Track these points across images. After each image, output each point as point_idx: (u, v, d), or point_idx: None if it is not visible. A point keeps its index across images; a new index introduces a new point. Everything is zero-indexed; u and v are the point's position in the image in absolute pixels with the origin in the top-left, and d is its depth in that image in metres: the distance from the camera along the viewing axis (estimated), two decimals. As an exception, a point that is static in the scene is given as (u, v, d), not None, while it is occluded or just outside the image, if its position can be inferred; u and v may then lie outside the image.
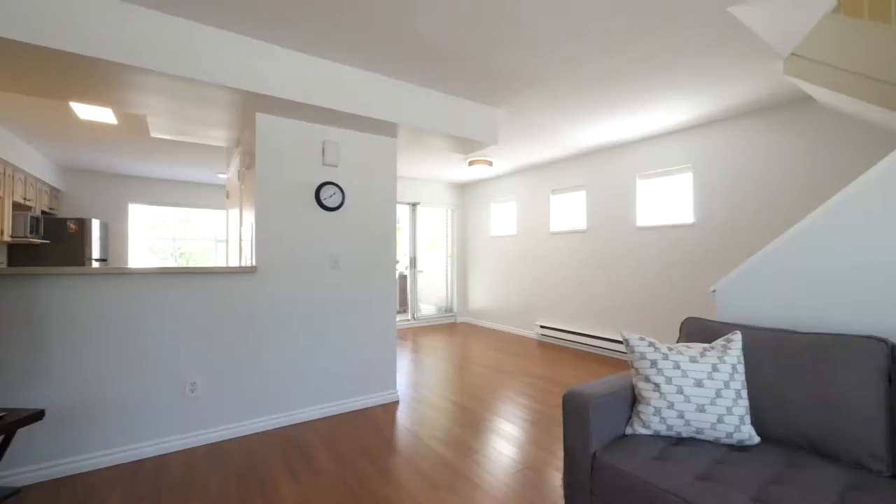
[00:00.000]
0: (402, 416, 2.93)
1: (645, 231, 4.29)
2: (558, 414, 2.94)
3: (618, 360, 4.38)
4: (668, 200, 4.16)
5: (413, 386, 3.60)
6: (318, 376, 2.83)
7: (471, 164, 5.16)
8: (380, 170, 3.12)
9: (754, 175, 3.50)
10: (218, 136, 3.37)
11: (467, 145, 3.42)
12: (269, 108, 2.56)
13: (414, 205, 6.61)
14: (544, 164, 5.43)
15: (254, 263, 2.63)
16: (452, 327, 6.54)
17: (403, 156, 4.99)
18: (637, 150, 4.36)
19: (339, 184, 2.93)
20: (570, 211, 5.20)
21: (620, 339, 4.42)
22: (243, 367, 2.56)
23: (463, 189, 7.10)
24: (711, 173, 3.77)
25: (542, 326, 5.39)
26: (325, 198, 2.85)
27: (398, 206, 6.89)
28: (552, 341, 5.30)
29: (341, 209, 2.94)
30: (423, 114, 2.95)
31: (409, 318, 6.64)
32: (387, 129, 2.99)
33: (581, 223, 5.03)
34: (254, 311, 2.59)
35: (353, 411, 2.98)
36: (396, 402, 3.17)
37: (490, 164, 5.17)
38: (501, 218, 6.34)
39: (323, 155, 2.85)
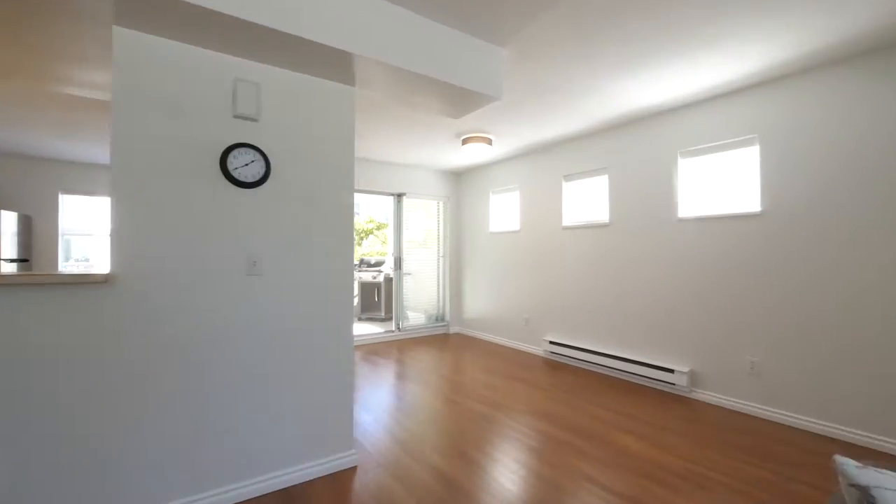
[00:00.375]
0: (359, 494, 1.95)
1: (689, 224, 3.31)
2: (587, 493, 1.96)
3: (652, 391, 3.40)
4: (721, 183, 3.18)
5: (383, 433, 2.61)
6: (226, 443, 1.84)
7: (465, 142, 4.17)
8: (329, 131, 2.13)
9: (849, 147, 2.53)
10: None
11: (461, 101, 2.43)
12: (136, 16, 1.57)
13: (399, 196, 5.63)
14: (555, 142, 4.44)
15: (111, 270, 1.63)
16: (444, 340, 5.55)
17: (378, 129, 4.00)
18: (679, 119, 3.38)
19: (261, 147, 1.94)
20: (587, 200, 4.22)
21: (667, 367, 3.44)
22: (91, 441, 1.57)
23: (457, 177, 6.11)
24: (787, 145, 2.79)
25: (551, 342, 4.41)
26: (237, 167, 1.86)
27: (381, 198, 5.89)
28: (564, 361, 4.32)
29: (264, 185, 1.95)
30: (395, 44, 1.96)
31: (394, 328, 5.65)
32: (339, 66, 2.00)
33: (602, 215, 4.05)
34: (105, 346, 1.60)
35: (283, 489, 1.99)
36: (354, 469, 2.19)
37: (489, 142, 4.18)
38: (502, 210, 5.36)
39: (234, 102, 1.86)
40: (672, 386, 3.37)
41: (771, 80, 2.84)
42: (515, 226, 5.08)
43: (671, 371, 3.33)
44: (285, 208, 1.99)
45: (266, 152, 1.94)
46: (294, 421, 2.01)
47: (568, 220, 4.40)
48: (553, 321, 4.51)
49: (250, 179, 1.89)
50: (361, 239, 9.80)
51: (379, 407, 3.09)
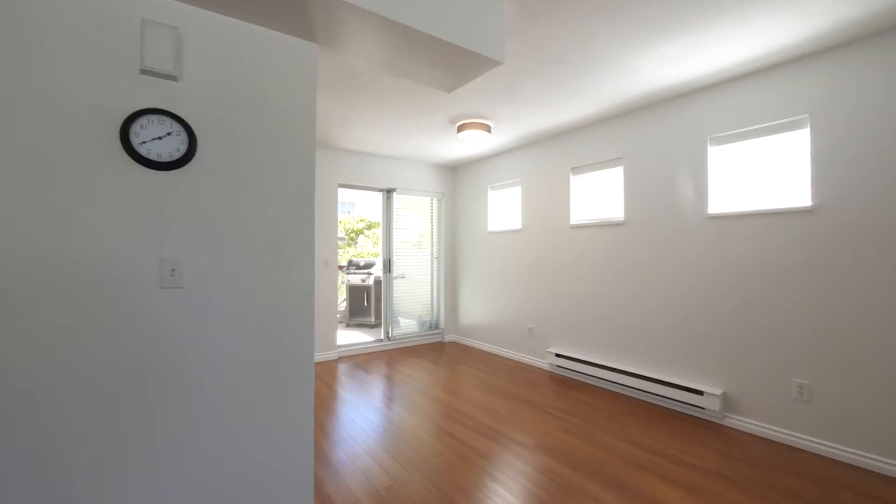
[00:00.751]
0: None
1: (721, 222, 2.83)
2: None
3: (677, 415, 2.92)
4: (761, 174, 2.70)
5: (358, 482, 2.12)
6: (131, 514, 1.34)
7: (461, 128, 3.68)
8: (282, 100, 1.63)
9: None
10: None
11: (457, 66, 1.94)
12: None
13: (389, 192, 5.13)
14: (562, 129, 3.96)
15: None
16: (438, 349, 5.06)
17: (363, 114, 3.51)
18: (709, 100, 2.90)
19: (184, 116, 1.44)
20: (598, 196, 3.74)
21: (685, 384, 2.96)
22: None
23: (452, 172, 5.62)
24: (847, 127, 2.32)
25: (557, 355, 3.93)
26: (145, 141, 1.36)
27: (369, 194, 5.39)
28: (571, 377, 3.84)
29: (187, 167, 1.45)
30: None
31: (383, 337, 5.16)
32: (295, 12, 1.50)
33: (616, 212, 3.57)
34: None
35: (215, 572, 1.49)
36: (314, 535, 1.70)
37: (487, 129, 3.70)
38: (502, 208, 4.87)
39: (142, 51, 1.36)
40: (701, 410, 2.89)
41: (830, 47, 2.36)
42: (517, 224, 4.59)
43: (700, 393, 2.85)
44: (219, 199, 1.50)
45: (191, 123, 1.45)
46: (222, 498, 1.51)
47: (576, 217, 3.92)
48: (559, 331, 4.03)
49: (165, 158, 1.39)
50: (352, 240, 9.30)
51: (357, 441, 2.59)
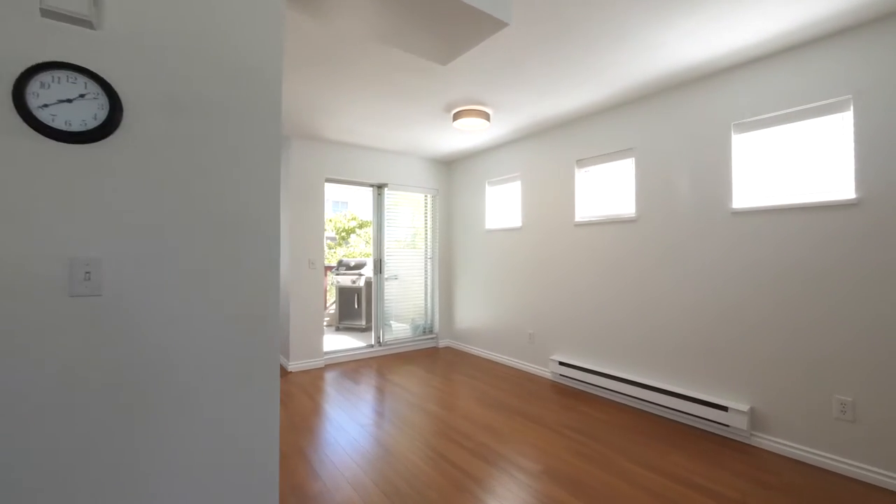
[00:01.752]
0: None
1: (748, 217, 2.55)
2: None
3: (698, 433, 2.63)
4: (793, 165, 2.42)
5: (337, 519, 1.80)
6: None
7: (457, 116, 3.37)
8: (239, 59, 1.31)
9: None
10: None
11: (456, 28, 1.62)
12: None
13: (380, 187, 4.81)
14: (566, 118, 3.66)
15: None
16: (433, 356, 4.74)
17: (350, 101, 3.18)
18: (735, 81, 2.61)
19: (103, 74, 1.11)
20: (607, 190, 3.45)
21: (707, 398, 2.67)
22: None
23: (448, 167, 5.31)
24: (891, 110, 2.04)
25: (561, 363, 3.63)
26: (47, 104, 1.04)
27: (363, 193, 5.05)
28: (576, 386, 3.54)
29: (108, 140, 1.12)
30: None
31: (373, 343, 4.83)
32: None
33: (626, 207, 3.27)
34: None
35: None
36: None
37: (486, 117, 3.39)
38: (501, 204, 4.57)
39: (43, -13, 1.04)
40: (725, 428, 2.60)
41: (876, 18, 2.08)
42: (516, 222, 4.29)
43: (724, 409, 2.56)
44: (152, 183, 1.17)
45: (113, 84, 1.12)
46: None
47: (582, 214, 3.62)
48: (563, 337, 3.73)
49: (77, 127, 1.06)
50: (343, 239, 8.95)
51: (339, 468, 2.27)
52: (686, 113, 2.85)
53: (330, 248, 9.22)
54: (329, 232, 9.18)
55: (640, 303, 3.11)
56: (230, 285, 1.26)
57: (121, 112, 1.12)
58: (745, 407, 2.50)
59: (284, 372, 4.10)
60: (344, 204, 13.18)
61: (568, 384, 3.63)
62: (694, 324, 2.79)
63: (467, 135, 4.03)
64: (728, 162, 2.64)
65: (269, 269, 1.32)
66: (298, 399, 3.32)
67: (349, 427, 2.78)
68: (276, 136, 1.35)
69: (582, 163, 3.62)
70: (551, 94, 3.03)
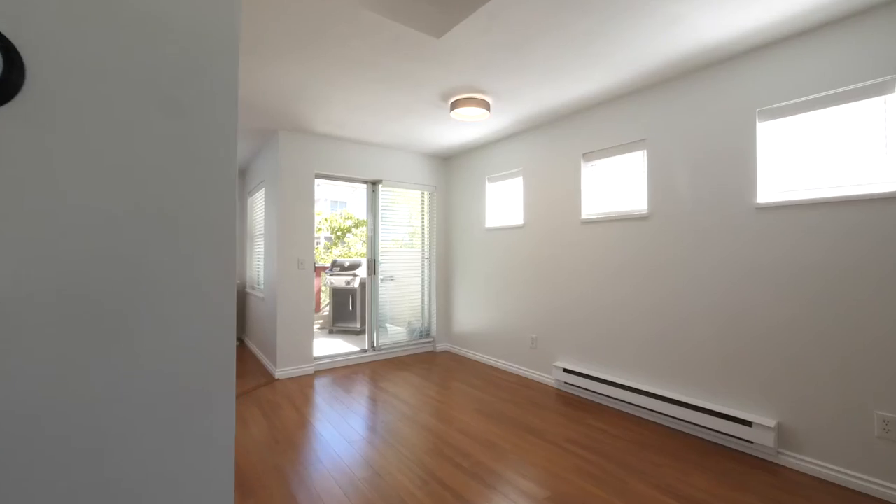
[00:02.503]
0: None
1: (775, 213, 2.31)
2: None
3: (718, 449, 2.39)
4: (828, 154, 2.18)
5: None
6: None
7: (455, 105, 3.13)
8: (181, 17, 1.06)
9: None
10: None
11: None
12: None
13: (374, 183, 4.57)
14: (572, 109, 3.42)
15: None
16: (430, 361, 4.51)
17: (340, 89, 2.94)
18: (761, 63, 2.37)
19: (-3, 23, 0.87)
20: (616, 185, 3.21)
21: (728, 413, 2.43)
22: None
23: (445, 162, 5.07)
24: (951, 89, 1.80)
25: (566, 370, 3.39)
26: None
27: (362, 192, 4.81)
28: (583, 396, 3.30)
29: (7, 108, 0.88)
30: None
31: (367, 347, 4.59)
32: None
33: (637, 203, 3.03)
34: None
35: None
36: None
37: (486, 107, 3.15)
38: (501, 201, 4.33)
39: None
40: (748, 445, 2.36)
41: (925, -12, 1.85)
42: (518, 220, 4.05)
43: (748, 424, 2.32)
44: (66, 163, 0.92)
45: (8, 35, 0.88)
46: None
47: (589, 211, 3.38)
48: (568, 343, 3.49)
49: (-45, 90, 0.82)
50: (339, 238, 8.71)
51: (319, 496, 2.03)
52: (704, 99, 2.61)
53: (326, 249, 8.98)
54: (325, 232, 8.94)
55: (652, 305, 2.88)
56: (166, 289, 1.01)
57: (20, 72, 0.88)
58: (771, 422, 2.26)
59: (271, 379, 3.86)
60: (343, 203, 12.93)
61: (573, 393, 3.39)
62: (713, 328, 2.56)
63: (466, 127, 3.79)
64: (752, 152, 2.40)
65: (220, 273, 1.07)
66: (284, 411, 3.08)
67: (336, 444, 2.54)
68: (233, 115, 1.10)
69: (589, 156, 3.38)
70: (556, 79, 2.79)
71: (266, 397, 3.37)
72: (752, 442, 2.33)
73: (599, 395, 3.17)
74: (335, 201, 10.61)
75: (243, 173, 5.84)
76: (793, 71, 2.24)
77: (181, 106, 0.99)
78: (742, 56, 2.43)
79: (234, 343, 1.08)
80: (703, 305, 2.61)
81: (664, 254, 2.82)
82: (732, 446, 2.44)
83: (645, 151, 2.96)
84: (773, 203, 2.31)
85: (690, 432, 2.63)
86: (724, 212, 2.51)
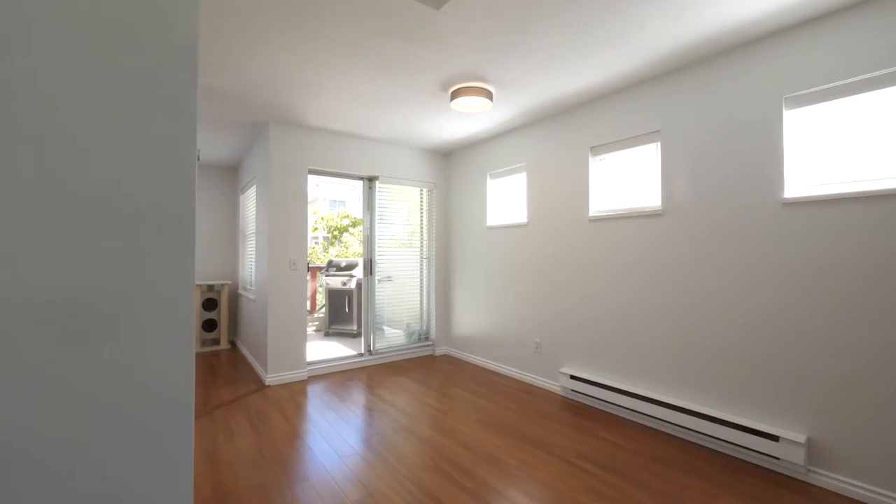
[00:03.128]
0: None
1: (804, 208, 2.12)
2: None
3: (740, 464, 2.20)
4: (865, 143, 1.99)
5: None
6: None
7: (456, 94, 2.93)
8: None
9: None
10: None
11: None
12: None
13: (371, 180, 4.38)
14: (580, 100, 3.23)
15: None
16: (428, 365, 4.31)
17: (333, 77, 2.75)
18: (787, 46, 2.18)
19: None
20: (626, 180, 3.02)
21: (755, 426, 2.23)
22: None
23: (445, 158, 4.88)
24: None
25: (572, 377, 3.20)
26: None
27: (355, 188, 4.61)
28: (592, 405, 3.11)
29: None
30: None
31: (363, 351, 4.39)
32: None
33: (650, 199, 2.84)
34: None
35: None
36: None
37: (489, 96, 2.95)
38: (504, 198, 4.14)
39: None
40: (775, 462, 2.17)
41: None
42: (522, 218, 3.86)
43: (774, 439, 2.13)
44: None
45: None
46: None
47: (597, 207, 3.19)
48: (575, 348, 3.30)
49: None
50: (335, 237, 8.51)
51: (308, 514, 1.83)
52: (725, 86, 2.42)
53: (323, 249, 8.79)
54: (321, 231, 8.74)
55: (666, 307, 2.69)
56: (109, 294, 0.81)
57: None
58: (801, 437, 2.07)
59: (261, 386, 3.67)
60: (341, 203, 12.72)
61: (581, 401, 3.20)
62: (734, 332, 2.36)
63: (467, 120, 3.59)
64: (778, 144, 2.21)
65: (174, 277, 0.87)
66: (273, 421, 2.89)
67: (327, 459, 2.34)
68: (191, 86, 0.90)
69: (597, 150, 3.18)
70: (563, 66, 2.60)
71: (255, 406, 3.17)
72: (778, 458, 2.14)
73: (610, 405, 2.98)
74: (334, 200, 10.40)
75: (235, 170, 5.64)
76: (823, 54, 2.05)
77: (124, 89, 0.79)
78: (768, 38, 2.24)
79: (191, 353, 0.88)
80: (720, 306, 2.42)
81: (678, 252, 2.63)
82: (755, 461, 2.25)
83: (658, 144, 2.77)
84: (803, 198, 2.12)
85: (711, 446, 2.44)
86: (746, 208, 2.32)
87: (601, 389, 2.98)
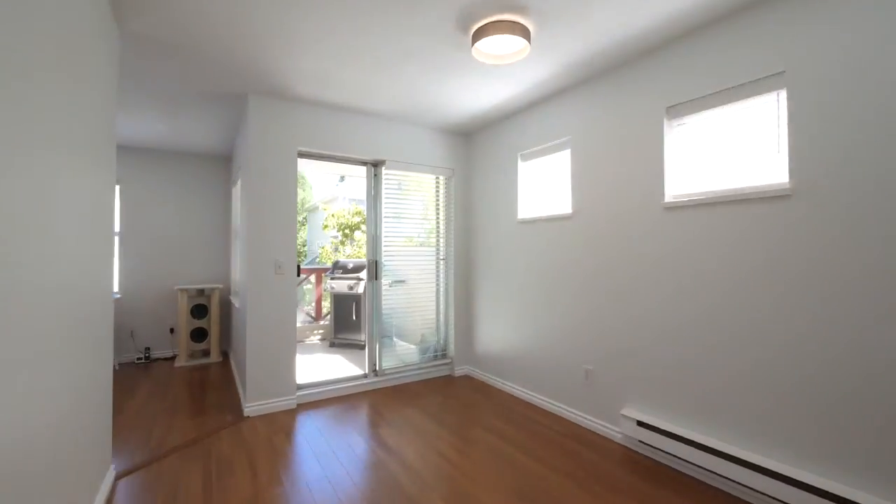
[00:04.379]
0: None
1: None
2: None
3: None
4: (727, 153, 1.06)
5: None
6: None
7: (479, 35, 2.11)
8: None
9: None
10: None
11: None
12: None
13: (376, 165, 3.62)
14: (656, 40, 2.36)
15: None
16: (446, 390, 3.52)
17: (314, 11, 1.98)
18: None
19: None
20: (719, 154, 2.13)
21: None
22: None
23: (467, 139, 4.07)
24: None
25: (639, 424, 2.34)
26: None
27: (341, 168, 3.83)
28: (668, 462, 2.24)
29: None
30: None
31: (367, 371, 3.63)
32: None
33: (764, 176, 1.95)
34: None
35: None
36: None
37: (526, 36, 2.11)
38: (540, 185, 3.29)
39: None
40: None
41: None
42: (565, 208, 3.01)
43: None
44: None
45: None
46: None
47: (675, 191, 2.32)
48: (641, 380, 2.43)
49: None
50: (346, 236, 7.83)
51: None
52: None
53: (335, 249, 8.13)
54: (332, 230, 8.07)
55: (786, 331, 1.80)
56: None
57: None
58: None
59: (238, 417, 2.95)
60: (362, 202, 11.98)
61: (651, 456, 2.34)
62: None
63: (494, 80, 2.77)
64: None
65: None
66: (234, 477, 2.15)
67: (289, 559, 1.58)
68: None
69: (676, 111, 2.31)
70: (642, -23, 1.74)
71: (220, 450, 2.45)
72: None
73: (692, 467, 2.11)
74: (345, 196, 9.70)
75: (228, 160, 4.99)
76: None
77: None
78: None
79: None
80: (872, 322, 1.51)
81: (809, 254, 1.73)
82: None
83: (783, 93, 1.88)
84: None
85: (883, 558, 1.54)
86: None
87: (679, 442, 2.11)
